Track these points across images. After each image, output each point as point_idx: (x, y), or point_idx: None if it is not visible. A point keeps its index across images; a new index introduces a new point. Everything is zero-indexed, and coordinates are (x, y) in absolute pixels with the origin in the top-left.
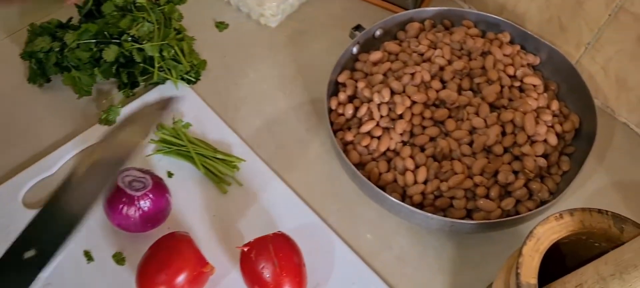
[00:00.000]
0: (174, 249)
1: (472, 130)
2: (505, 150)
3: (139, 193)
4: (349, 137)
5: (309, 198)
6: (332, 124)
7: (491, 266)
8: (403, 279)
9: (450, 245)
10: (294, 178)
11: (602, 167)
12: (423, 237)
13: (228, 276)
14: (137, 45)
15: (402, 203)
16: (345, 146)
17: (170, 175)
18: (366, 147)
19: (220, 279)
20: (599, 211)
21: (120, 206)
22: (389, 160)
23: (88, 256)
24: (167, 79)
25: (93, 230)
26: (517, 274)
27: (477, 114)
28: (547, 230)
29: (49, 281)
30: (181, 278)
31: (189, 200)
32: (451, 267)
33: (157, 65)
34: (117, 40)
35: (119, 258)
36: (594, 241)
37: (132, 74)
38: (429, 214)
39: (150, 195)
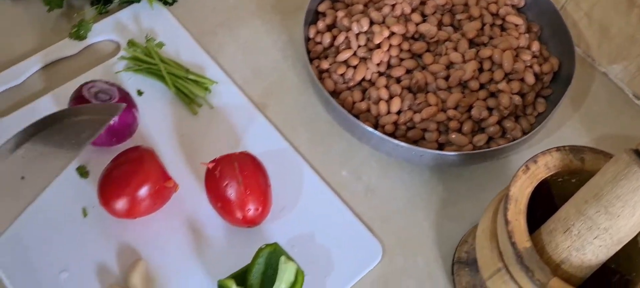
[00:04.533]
0: (137, 162)
1: (450, 66)
2: (482, 86)
3: None
4: (325, 65)
5: (281, 125)
6: (309, 52)
7: (461, 204)
8: (370, 210)
9: (419, 180)
10: (268, 105)
11: (577, 114)
12: (392, 170)
13: (193, 196)
14: None
15: (374, 131)
16: (321, 74)
17: (139, 93)
18: (342, 75)
19: (185, 198)
20: (557, 149)
21: None
22: (363, 91)
23: None
24: None
25: None
26: (513, 244)
27: (455, 49)
28: (520, 188)
29: None
30: (143, 191)
31: (158, 119)
32: (419, 201)
33: None
34: None
35: (82, 171)
36: (565, 179)
37: None
38: (399, 142)
39: None
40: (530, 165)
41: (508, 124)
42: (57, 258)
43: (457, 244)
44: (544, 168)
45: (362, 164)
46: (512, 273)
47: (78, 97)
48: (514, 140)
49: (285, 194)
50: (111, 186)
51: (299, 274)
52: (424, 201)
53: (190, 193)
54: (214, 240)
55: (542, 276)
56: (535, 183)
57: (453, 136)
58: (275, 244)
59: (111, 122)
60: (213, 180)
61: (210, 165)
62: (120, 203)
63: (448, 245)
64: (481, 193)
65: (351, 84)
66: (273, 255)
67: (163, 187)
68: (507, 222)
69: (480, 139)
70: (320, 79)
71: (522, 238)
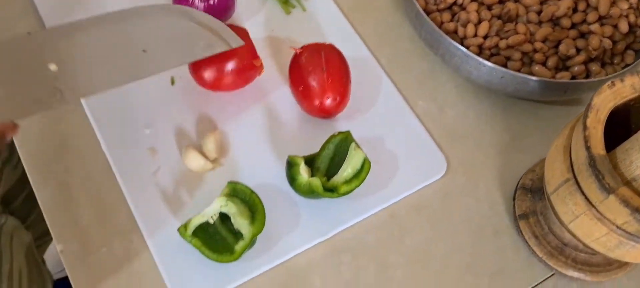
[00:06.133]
0: None
1: (543, 1)
2: (573, 26)
3: None
4: None
5: (366, 36)
6: None
7: (531, 139)
8: (441, 129)
9: (493, 109)
10: (356, 16)
11: None
12: (468, 97)
13: (274, 84)
14: None
15: (459, 46)
16: None
17: None
18: None
19: (267, 84)
20: None
21: None
22: (453, 15)
23: None
24: None
25: None
26: (588, 148)
27: None
28: (603, 100)
29: None
30: (231, 64)
31: (252, 13)
32: (490, 130)
33: None
34: None
35: None
36: None
37: None
38: (482, 60)
39: None
40: (617, 82)
41: (594, 67)
42: (143, 115)
43: (521, 174)
44: (630, 88)
45: (440, 86)
46: (579, 181)
47: None
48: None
49: (361, 98)
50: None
51: (366, 163)
52: (495, 130)
53: (273, 81)
54: (288, 126)
55: (612, 181)
56: (618, 101)
57: (536, 68)
58: (347, 132)
59: (211, 2)
60: (298, 65)
61: (298, 50)
62: (208, 73)
63: (512, 174)
64: (552, 133)
65: (441, 6)
66: (343, 144)
67: (250, 64)
68: (585, 128)
69: (564, 76)
70: None
71: (597, 146)
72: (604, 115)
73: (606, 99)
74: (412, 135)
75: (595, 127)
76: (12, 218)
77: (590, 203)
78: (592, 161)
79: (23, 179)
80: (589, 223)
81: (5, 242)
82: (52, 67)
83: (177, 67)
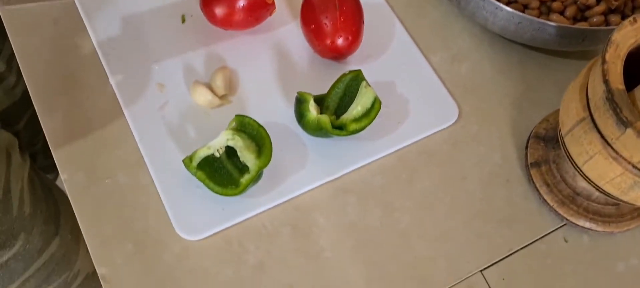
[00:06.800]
0: None
1: None
2: None
3: None
4: None
5: None
6: None
7: (545, 92)
8: (454, 77)
9: (508, 60)
10: None
11: None
12: (483, 47)
13: (285, 24)
14: None
15: None
16: None
17: None
18: None
19: (278, 24)
20: None
21: None
22: None
23: None
24: None
25: None
26: (606, 81)
27: None
28: (623, 36)
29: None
30: (242, 2)
31: None
32: (504, 80)
33: None
34: None
35: None
36: None
37: None
38: (500, 4)
39: None
40: (638, 18)
41: (613, 18)
42: (152, 50)
43: (534, 125)
44: None
45: (454, 34)
46: (595, 118)
47: None
48: None
49: (373, 43)
50: None
51: (376, 102)
52: (510, 81)
53: (285, 22)
54: (298, 67)
55: (630, 115)
56: (639, 38)
57: (554, 17)
58: (358, 71)
59: None
60: (311, 4)
61: None
62: (219, 9)
63: (525, 124)
64: (568, 85)
65: None
66: (353, 83)
67: (262, 2)
68: (604, 61)
69: (582, 26)
70: None
71: (616, 80)
72: (623, 52)
73: (627, 35)
74: (424, 82)
75: (614, 62)
76: (10, 135)
77: (606, 141)
78: (609, 94)
79: (25, 101)
80: (603, 163)
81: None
82: None
83: None
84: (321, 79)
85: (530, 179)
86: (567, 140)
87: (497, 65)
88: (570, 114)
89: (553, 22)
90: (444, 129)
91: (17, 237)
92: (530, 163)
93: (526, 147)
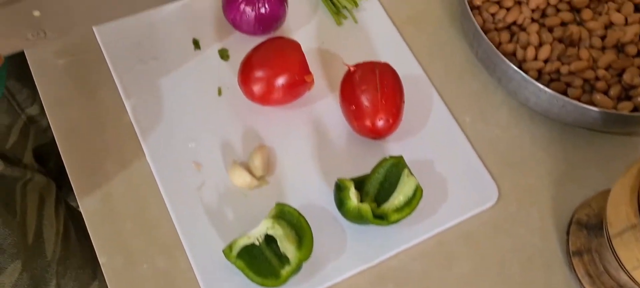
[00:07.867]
0: (282, 50)
1: (609, 26)
2: (639, 53)
3: None
4: (477, 2)
5: (418, 52)
6: None
7: (588, 170)
8: (493, 154)
9: (549, 136)
10: (409, 30)
11: None
12: (523, 121)
13: (324, 99)
14: None
15: (519, 71)
16: (472, 9)
17: None
18: (492, 15)
19: (316, 100)
20: None
21: (240, 1)
22: (511, 35)
23: (196, 44)
24: None
25: (205, 21)
26: None
27: (618, 10)
28: None
29: (155, 55)
30: (282, 79)
31: (303, 22)
32: (545, 157)
33: None
34: None
35: (224, 54)
36: None
37: None
38: (543, 86)
39: None
40: None
41: None
42: (188, 128)
43: (576, 206)
44: None
45: (493, 108)
46: None
47: None
48: None
49: (412, 118)
50: (253, 68)
51: (418, 190)
52: (550, 158)
53: (322, 96)
54: (336, 146)
55: None
56: None
57: (597, 97)
58: (400, 157)
59: (262, 11)
60: (351, 83)
61: (352, 68)
62: (258, 87)
63: (566, 205)
64: (611, 164)
65: (500, 25)
66: (394, 168)
67: (301, 80)
68: None
69: (626, 106)
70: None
71: None
72: None
73: None
74: (463, 160)
75: None
76: (46, 179)
77: None
78: None
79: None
80: None
81: (32, 199)
82: (36, 13)
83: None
84: (360, 157)
85: (572, 267)
86: (615, 242)
87: (538, 140)
88: (619, 216)
89: (597, 108)
90: (484, 210)
91: (49, 283)
92: (572, 252)
93: (567, 233)
